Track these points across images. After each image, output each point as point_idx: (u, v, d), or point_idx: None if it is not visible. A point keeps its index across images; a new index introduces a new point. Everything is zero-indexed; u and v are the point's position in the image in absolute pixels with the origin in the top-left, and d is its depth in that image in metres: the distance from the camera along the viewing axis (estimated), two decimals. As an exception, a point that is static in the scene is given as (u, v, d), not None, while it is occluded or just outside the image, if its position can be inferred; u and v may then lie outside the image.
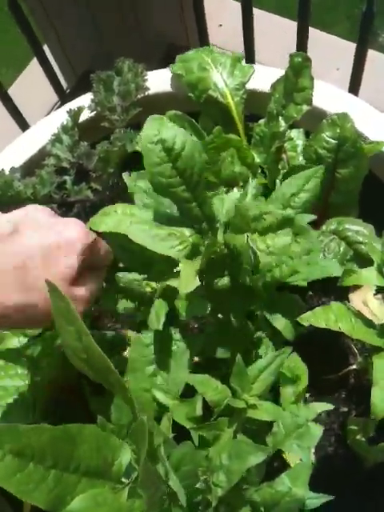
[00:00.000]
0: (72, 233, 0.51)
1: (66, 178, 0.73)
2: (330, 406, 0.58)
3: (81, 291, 0.52)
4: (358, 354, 0.75)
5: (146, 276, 0.60)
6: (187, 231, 0.55)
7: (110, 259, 0.58)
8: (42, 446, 0.37)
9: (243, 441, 0.51)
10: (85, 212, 0.78)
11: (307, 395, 0.72)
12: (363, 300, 0.80)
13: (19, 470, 0.35)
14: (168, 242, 0.54)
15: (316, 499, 0.58)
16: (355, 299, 0.81)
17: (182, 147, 0.53)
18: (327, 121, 0.71)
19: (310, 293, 0.81)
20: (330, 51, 1.28)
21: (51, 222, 0.51)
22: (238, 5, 1.01)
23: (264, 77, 0.84)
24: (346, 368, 0.74)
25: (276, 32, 1.31)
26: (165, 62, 0.94)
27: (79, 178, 0.75)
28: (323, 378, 0.74)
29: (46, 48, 1.32)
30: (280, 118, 0.71)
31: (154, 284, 0.60)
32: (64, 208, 0.74)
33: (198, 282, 0.51)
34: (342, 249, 0.69)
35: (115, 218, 0.54)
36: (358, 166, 0.72)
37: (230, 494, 0.51)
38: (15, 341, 0.70)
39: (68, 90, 1.38)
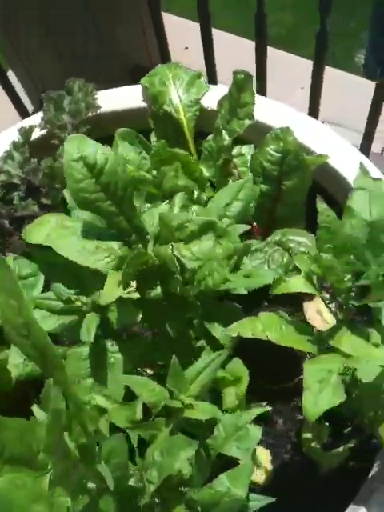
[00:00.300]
0: None
1: (15, 193, 0.80)
2: (267, 408, 0.64)
3: None
4: (311, 363, 0.81)
5: (76, 290, 0.64)
6: (115, 244, 0.60)
7: None
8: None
9: (176, 437, 0.56)
10: (36, 228, 0.84)
11: (264, 404, 0.77)
12: (317, 309, 0.86)
13: None
14: (95, 255, 0.59)
15: (258, 501, 0.62)
16: (309, 309, 0.88)
17: (104, 163, 0.58)
18: (271, 135, 0.79)
19: (266, 303, 0.87)
20: (294, 71, 1.38)
21: None
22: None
23: (222, 95, 0.91)
24: (301, 376, 0.79)
25: (239, 52, 1.41)
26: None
27: (31, 194, 0.82)
28: (279, 387, 0.79)
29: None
30: (224, 132, 0.79)
31: (84, 298, 0.65)
32: (14, 224, 0.81)
33: (120, 293, 0.55)
34: (285, 259, 0.76)
35: (48, 228, 0.59)
36: (302, 177, 0.79)
37: (165, 491, 0.56)
38: None
39: (33, 112, 1.46)
